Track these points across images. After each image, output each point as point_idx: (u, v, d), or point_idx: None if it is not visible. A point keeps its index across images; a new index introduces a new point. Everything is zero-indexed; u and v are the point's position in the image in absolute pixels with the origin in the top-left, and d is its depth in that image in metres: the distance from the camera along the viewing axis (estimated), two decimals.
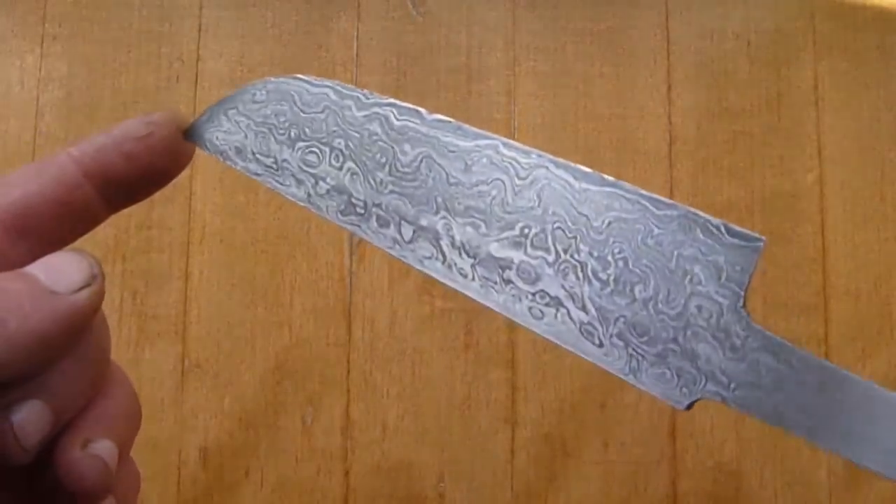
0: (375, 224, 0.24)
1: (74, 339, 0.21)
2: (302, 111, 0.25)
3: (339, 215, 0.24)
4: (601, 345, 0.21)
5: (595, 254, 0.22)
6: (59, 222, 0.23)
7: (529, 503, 0.60)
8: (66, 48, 0.64)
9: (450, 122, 0.25)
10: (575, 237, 0.22)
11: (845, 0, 0.65)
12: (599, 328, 0.21)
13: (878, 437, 0.18)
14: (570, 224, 0.22)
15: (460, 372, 0.61)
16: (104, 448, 0.21)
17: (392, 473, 0.60)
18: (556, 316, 0.22)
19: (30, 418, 0.20)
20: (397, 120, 0.26)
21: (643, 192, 0.23)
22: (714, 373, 0.20)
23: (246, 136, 0.25)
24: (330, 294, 0.61)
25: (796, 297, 0.62)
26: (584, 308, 0.21)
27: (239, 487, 0.60)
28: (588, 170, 0.23)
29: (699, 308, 0.21)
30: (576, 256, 0.22)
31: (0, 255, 0.21)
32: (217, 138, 0.25)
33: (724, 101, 0.64)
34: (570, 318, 0.22)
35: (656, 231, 0.22)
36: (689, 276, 0.21)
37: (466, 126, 0.25)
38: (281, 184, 0.25)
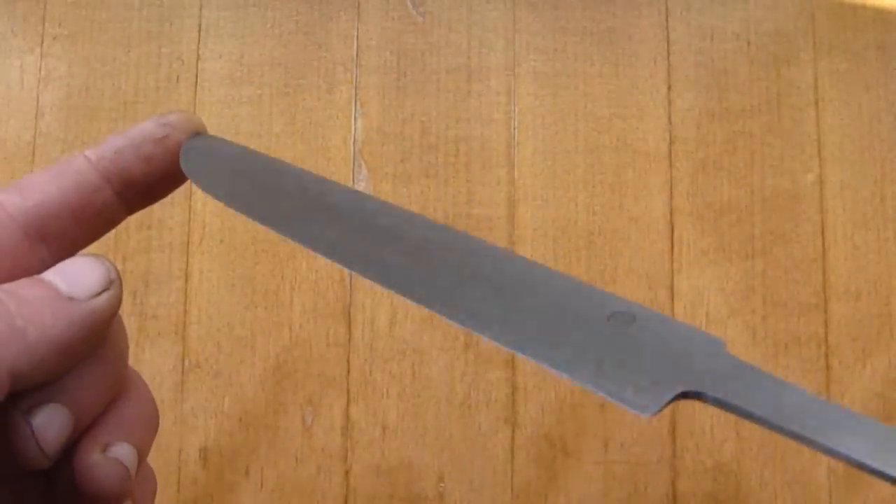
0: None
1: (94, 344, 0.21)
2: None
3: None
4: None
5: None
6: (78, 226, 0.23)
7: (529, 503, 0.60)
8: (66, 48, 0.64)
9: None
10: None
11: (845, 0, 0.65)
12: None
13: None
14: None
15: (460, 372, 0.61)
16: (124, 452, 0.22)
17: (392, 473, 0.60)
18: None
19: (50, 423, 0.20)
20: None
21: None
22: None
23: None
24: (330, 294, 0.61)
25: (796, 297, 0.62)
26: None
27: (239, 487, 0.60)
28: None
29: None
30: None
31: (19, 259, 0.21)
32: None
33: (724, 101, 0.64)
34: None
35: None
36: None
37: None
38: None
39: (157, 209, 0.62)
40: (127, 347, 0.23)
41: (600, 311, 0.22)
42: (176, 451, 0.59)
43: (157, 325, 0.61)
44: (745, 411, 0.20)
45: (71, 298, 0.20)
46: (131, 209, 0.25)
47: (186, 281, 0.61)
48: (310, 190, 0.25)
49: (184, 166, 0.24)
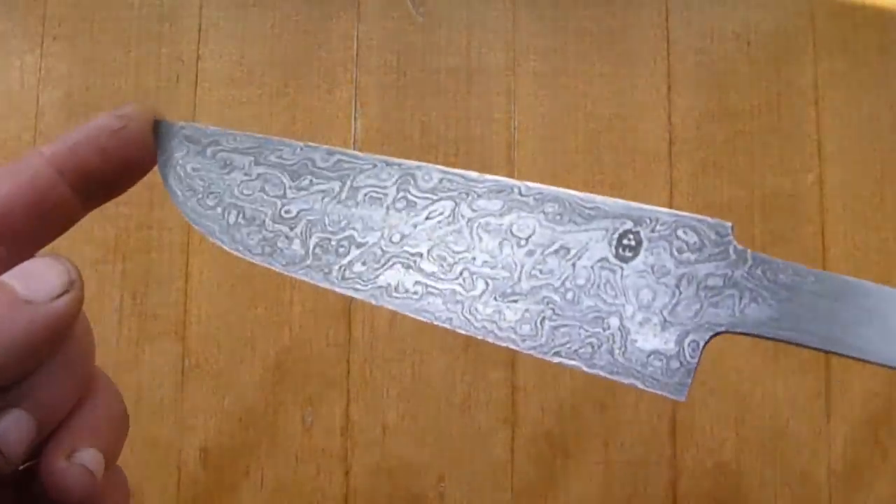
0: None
1: (55, 347, 0.21)
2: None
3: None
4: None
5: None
6: (35, 223, 0.22)
7: (529, 503, 0.60)
8: (66, 48, 0.64)
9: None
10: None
11: (845, 0, 0.65)
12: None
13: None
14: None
15: (460, 372, 0.61)
16: (90, 457, 0.21)
17: (392, 473, 0.60)
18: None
19: (12, 428, 0.20)
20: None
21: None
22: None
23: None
24: (330, 294, 0.61)
25: None
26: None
27: (239, 487, 0.60)
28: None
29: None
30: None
31: None
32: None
33: (724, 101, 0.64)
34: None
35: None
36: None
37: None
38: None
39: (157, 209, 0.62)
40: (93, 347, 0.23)
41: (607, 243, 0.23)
42: (176, 451, 0.59)
43: (157, 325, 0.61)
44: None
45: (29, 301, 0.19)
46: (89, 205, 0.24)
47: (186, 281, 0.61)
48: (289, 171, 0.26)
49: (160, 160, 0.25)
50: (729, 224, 0.23)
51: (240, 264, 0.62)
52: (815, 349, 0.21)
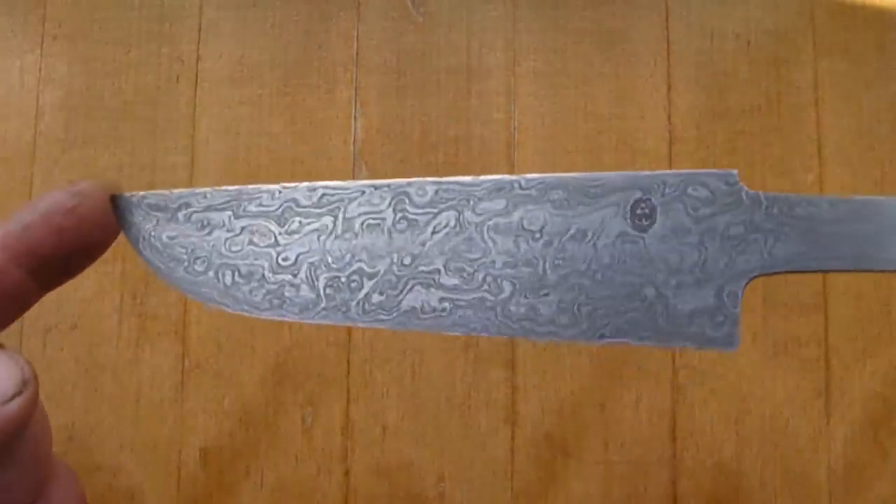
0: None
1: (7, 449, 0.19)
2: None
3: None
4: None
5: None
6: None
7: (529, 503, 0.60)
8: (66, 48, 0.64)
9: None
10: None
11: (845, 0, 0.65)
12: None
13: None
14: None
15: (460, 372, 0.61)
16: None
17: (392, 473, 0.60)
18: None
19: None
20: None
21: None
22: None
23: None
24: None
25: (796, 297, 0.62)
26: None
27: (239, 487, 0.60)
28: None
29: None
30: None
31: None
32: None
33: (724, 101, 0.64)
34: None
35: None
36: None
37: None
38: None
39: None
40: (50, 443, 0.22)
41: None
42: (176, 451, 0.59)
43: (157, 325, 0.61)
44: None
45: None
46: (46, 287, 0.22)
47: None
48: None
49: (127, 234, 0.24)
50: (734, 171, 0.23)
51: None
52: (851, 271, 0.22)
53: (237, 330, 0.61)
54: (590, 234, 0.23)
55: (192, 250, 0.24)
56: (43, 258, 0.22)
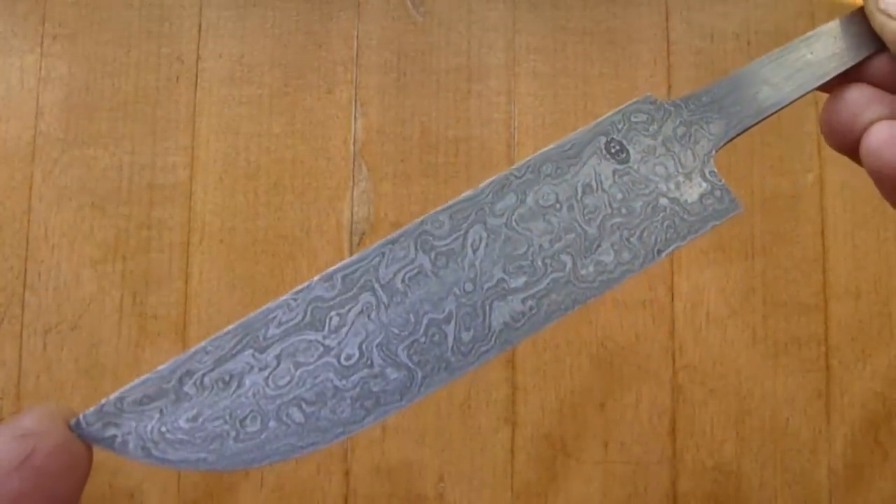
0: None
1: None
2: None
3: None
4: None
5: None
6: None
7: (529, 503, 0.60)
8: (66, 48, 0.64)
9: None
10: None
11: (845, 0, 0.65)
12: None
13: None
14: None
15: None
16: None
17: (392, 473, 0.60)
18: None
19: None
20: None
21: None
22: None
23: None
24: None
25: (796, 297, 0.62)
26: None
27: (239, 487, 0.60)
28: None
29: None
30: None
31: None
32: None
33: None
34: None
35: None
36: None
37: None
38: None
39: (157, 209, 0.62)
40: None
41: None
42: None
43: (157, 325, 0.61)
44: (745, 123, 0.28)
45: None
46: None
47: (186, 281, 0.61)
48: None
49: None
50: (648, 93, 0.28)
51: (240, 264, 0.62)
52: (760, 121, 0.29)
53: None
54: (594, 184, 0.26)
55: (232, 414, 0.20)
56: None
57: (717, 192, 0.26)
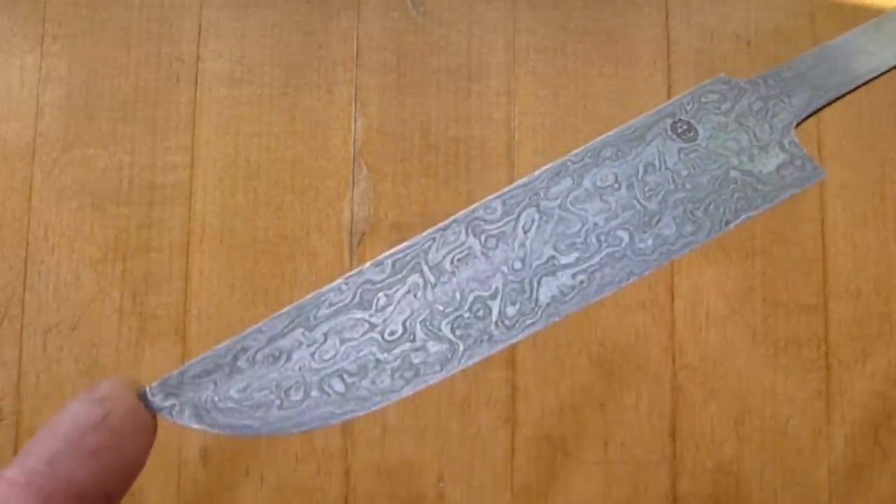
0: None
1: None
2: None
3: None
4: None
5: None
6: None
7: (529, 503, 0.60)
8: (66, 48, 0.64)
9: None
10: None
11: (845, 0, 0.65)
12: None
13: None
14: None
15: (460, 372, 0.61)
16: None
17: (392, 473, 0.60)
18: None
19: None
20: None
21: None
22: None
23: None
24: None
25: (796, 297, 0.62)
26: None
27: (239, 487, 0.60)
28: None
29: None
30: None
31: None
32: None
33: None
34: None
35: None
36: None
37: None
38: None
39: (157, 209, 0.62)
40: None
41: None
42: (176, 451, 0.59)
43: (157, 325, 0.61)
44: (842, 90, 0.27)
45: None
46: None
47: (186, 281, 0.61)
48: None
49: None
50: (720, 74, 0.27)
51: (240, 264, 0.62)
52: (853, 90, 0.27)
53: (237, 329, 0.61)
54: (657, 162, 0.25)
55: (278, 385, 0.22)
56: (81, 491, 0.17)
57: (798, 162, 0.26)
